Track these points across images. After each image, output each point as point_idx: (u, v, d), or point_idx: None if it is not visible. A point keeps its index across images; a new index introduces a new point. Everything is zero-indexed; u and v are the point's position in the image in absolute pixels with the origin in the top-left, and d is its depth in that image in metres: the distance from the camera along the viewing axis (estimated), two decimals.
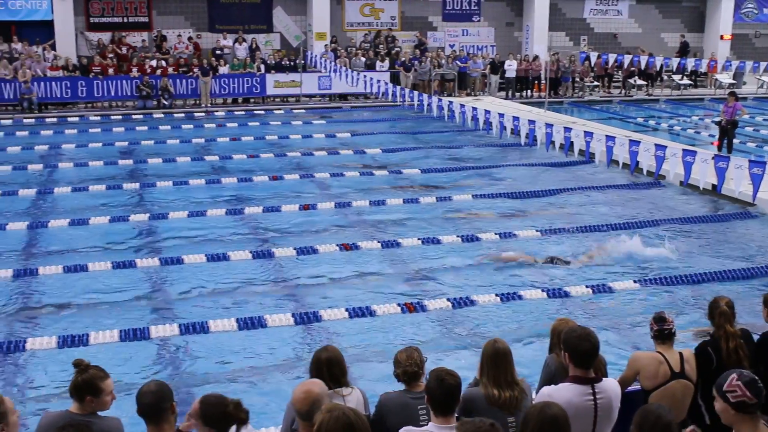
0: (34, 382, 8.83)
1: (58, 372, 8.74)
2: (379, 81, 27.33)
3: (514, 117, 22.14)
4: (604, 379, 5.59)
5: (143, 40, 31.57)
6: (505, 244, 13.51)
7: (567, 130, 19.97)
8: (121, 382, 7.62)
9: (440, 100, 25.80)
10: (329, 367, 5.53)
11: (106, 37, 30.99)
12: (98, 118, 26.48)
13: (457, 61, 32.58)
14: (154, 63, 29.50)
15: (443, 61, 32.53)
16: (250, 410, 4.92)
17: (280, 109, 28.68)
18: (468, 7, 35.91)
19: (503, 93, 32.59)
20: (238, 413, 4.87)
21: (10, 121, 25.88)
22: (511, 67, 32.45)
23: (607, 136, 18.83)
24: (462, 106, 24.19)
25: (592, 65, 33.62)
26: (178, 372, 9.06)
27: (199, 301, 11.24)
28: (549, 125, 20.66)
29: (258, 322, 10.16)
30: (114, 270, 12.14)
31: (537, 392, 5.62)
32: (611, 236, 13.75)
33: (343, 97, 30.96)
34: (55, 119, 26.43)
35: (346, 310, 10.52)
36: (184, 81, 29.11)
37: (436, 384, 4.90)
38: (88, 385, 5.06)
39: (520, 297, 11.06)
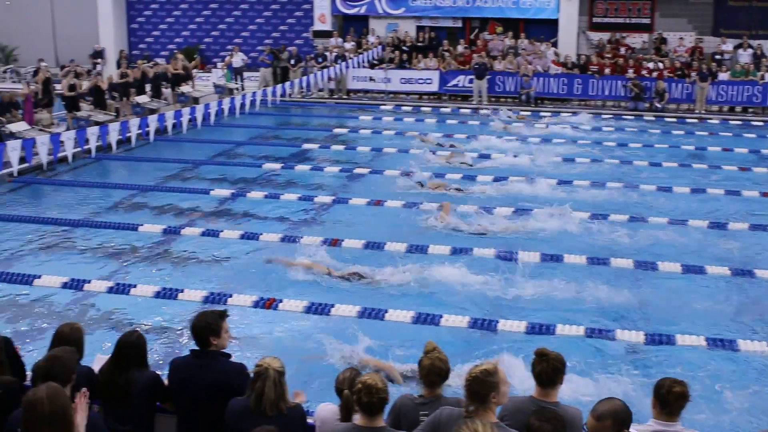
0: None
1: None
2: None
3: None
4: None
5: (643, 41, 31.47)
6: None
7: None
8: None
9: None
10: None
11: (606, 36, 31.43)
12: (590, 116, 26.83)
13: None
14: (651, 65, 29.20)
15: None
16: None
17: None
18: None
19: None
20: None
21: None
22: None
23: None
24: None
25: None
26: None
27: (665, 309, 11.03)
28: None
29: (729, 345, 9.69)
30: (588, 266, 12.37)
31: None
32: None
33: None
34: (548, 113, 27.46)
35: None
36: (679, 85, 28.38)
37: None
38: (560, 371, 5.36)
39: None
